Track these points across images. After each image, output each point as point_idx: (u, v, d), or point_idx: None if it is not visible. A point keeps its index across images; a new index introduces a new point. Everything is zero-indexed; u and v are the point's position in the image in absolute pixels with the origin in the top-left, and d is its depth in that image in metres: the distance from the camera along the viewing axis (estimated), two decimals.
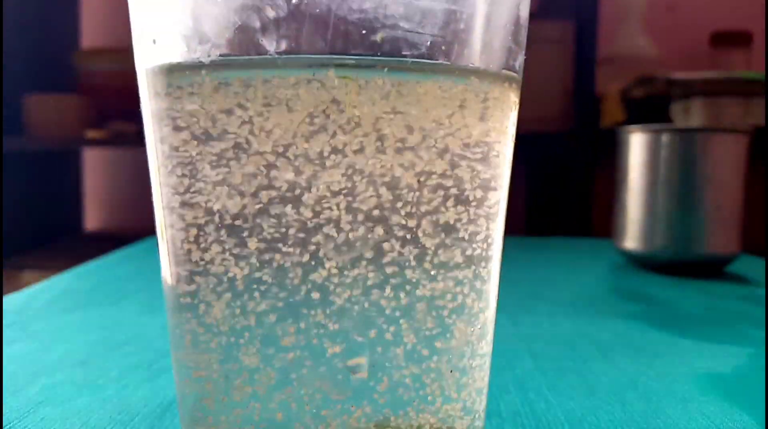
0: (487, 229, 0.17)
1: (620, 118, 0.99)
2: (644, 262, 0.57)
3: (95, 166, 1.34)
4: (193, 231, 0.16)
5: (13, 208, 1.09)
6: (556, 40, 1.05)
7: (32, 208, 1.16)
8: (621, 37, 1.11)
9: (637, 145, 0.57)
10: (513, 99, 0.18)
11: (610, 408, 0.26)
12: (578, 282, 0.53)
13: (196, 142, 0.16)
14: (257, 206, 0.15)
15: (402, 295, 0.16)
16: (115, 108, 1.11)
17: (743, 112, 0.93)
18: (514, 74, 0.18)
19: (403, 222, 0.16)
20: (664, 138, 0.55)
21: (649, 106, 0.97)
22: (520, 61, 0.18)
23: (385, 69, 0.15)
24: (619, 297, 0.47)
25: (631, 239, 0.57)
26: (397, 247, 0.16)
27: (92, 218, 1.35)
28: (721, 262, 0.56)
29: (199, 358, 0.17)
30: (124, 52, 1.02)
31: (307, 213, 0.15)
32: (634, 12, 1.12)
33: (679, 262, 0.56)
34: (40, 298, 0.43)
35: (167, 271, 0.18)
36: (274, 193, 0.15)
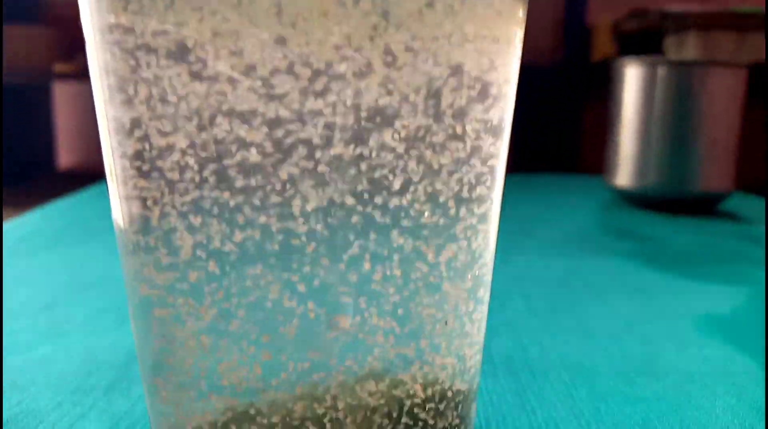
0: (489, 165, 0.15)
1: (611, 52, 0.96)
2: (636, 199, 0.56)
3: (66, 101, 1.29)
4: (145, 170, 0.14)
5: None
6: None
7: (3, 145, 1.12)
8: None
9: (632, 78, 0.55)
10: (520, 15, 0.16)
11: (607, 352, 0.25)
12: (569, 220, 0.51)
13: (148, 66, 0.14)
14: (218, 138, 0.13)
15: (391, 236, 0.14)
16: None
17: (738, 47, 0.90)
18: None
19: (394, 155, 0.14)
20: (661, 71, 0.53)
21: (641, 40, 0.94)
22: None
23: None
24: (611, 235, 0.46)
25: (623, 176, 0.56)
26: (386, 182, 0.14)
27: (66, 155, 1.31)
28: (714, 200, 0.55)
29: (158, 309, 0.15)
30: None
31: (278, 148, 0.13)
32: None
33: (672, 200, 0.54)
34: (5, 240, 0.40)
35: (118, 213, 0.15)
36: (238, 124, 0.13)
